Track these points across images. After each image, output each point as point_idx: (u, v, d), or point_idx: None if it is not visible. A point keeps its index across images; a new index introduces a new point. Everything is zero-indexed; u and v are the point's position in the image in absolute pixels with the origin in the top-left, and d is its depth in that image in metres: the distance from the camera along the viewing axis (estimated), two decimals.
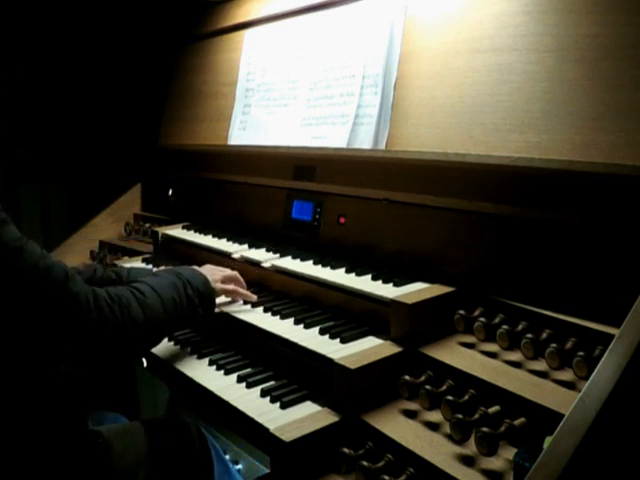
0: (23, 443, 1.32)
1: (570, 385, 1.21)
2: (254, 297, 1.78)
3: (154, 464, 1.55)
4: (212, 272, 1.73)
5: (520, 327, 1.36)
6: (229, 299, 1.79)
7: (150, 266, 2.22)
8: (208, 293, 1.64)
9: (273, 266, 1.88)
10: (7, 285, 1.21)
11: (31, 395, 1.36)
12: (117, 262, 2.42)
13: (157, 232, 2.44)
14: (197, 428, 1.69)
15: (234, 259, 2.02)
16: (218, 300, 1.73)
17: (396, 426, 1.26)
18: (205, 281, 1.64)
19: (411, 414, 1.31)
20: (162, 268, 1.90)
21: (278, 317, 1.67)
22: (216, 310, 1.72)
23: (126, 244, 2.69)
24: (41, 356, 1.36)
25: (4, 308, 1.22)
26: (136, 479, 1.52)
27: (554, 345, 1.25)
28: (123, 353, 1.47)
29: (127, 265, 2.22)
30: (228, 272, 1.80)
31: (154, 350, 1.74)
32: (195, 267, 1.75)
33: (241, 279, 1.82)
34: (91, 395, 1.57)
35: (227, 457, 1.92)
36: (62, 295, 1.27)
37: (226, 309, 1.76)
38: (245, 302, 1.79)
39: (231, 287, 1.76)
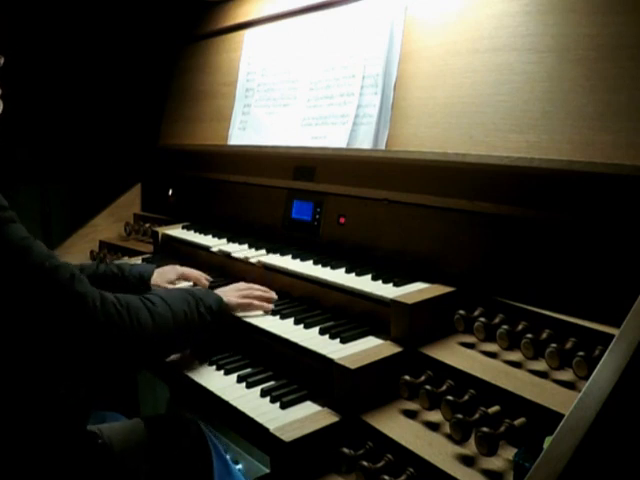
0: (22, 444, 1.32)
1: (570, 385, 1.21)
2: (270, 306, 1.72)
3: (154, 460, 1.55)
4: (224, 292, 1.71)
5: (520, 327, 1.36)
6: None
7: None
8: (221, 311, 1.61)
9: (273, 266, 1.88)
10: (13, 283, 1.19)
11: (31, 398, 1.34)
12: (117, 262, 2.42)
13: (157, 232, 2.44)
14: (196, 424, 1.69)
15: (234, 259, 2.02)
16: None
17: (396, 426, 1.26)
18: (219, 300, 1.62)
19: (411, 414, 1.31)
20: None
21: (278, 317, 1.67)
22: None
23: (126, 244, 2.69)
24: (45, 360, 1.32)
25: (9, 306, 1.21)
26: (137, 475, 1.52)
27: (554, 345, 1.25)
28: (130, 360, 1.43)
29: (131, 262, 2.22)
30: (243, 291, 1.75)
31: None
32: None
33: (257, 291, 1.77)
34: (91, 396, 1.56)
35: (227, 455, 1.91)
36: (68, 295, 1.25)
37: None
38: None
39: (246, 301, 1.71)
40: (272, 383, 1.49)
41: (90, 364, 1.35)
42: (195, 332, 1.55)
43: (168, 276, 1.90)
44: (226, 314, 1.65)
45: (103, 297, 1.32)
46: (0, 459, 1.29)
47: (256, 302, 1.72)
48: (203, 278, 1.95)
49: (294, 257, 1.91)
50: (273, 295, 1.77)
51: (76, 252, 2.73)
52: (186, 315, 1.50)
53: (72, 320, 1.26)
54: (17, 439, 1.32)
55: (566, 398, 1.14)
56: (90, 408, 1.53)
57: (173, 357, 1.68)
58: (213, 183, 2.56)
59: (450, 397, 1.22)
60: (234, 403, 1.41)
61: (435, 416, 1.27)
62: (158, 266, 1.95)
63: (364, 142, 1.91)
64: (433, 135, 1.74)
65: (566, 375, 1.24)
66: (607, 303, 1.26)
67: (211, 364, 1.62)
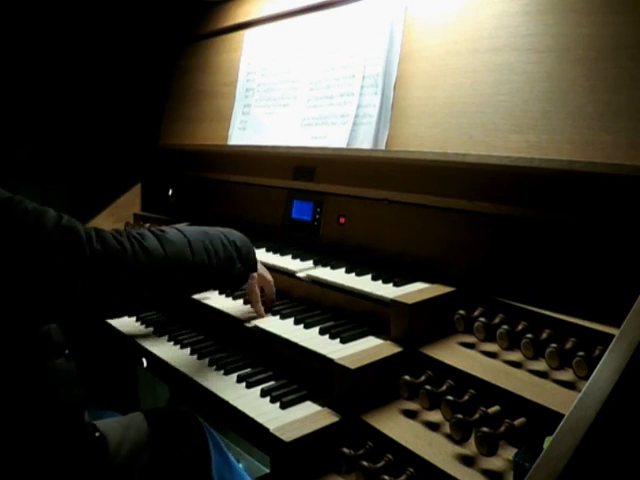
0: (15, 433, 1.31)
1: (570, 385, 1.21)
2: (263, 315, 1.70)
3: (151, 452, 1.55)
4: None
5: (520, 327, 1.36)
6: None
7: None
8: (247, 248, 1.57)
9: (273, 266, 1.88)
10: (2, 232, 1.18)
11: (24, 382, 1.32)
12: None
13: None
14: (194, 417, 1.69)
15: None
16: (223, 304, 1.70)
17: (396, 426, 1.26)
18: (243, 238, 1.57)
19: (411, 414, 1.31)
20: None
21: (278, 317, 1.67)
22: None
23: None
24: (39, 306, 1.23)
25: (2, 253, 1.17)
26: (134, 468, 1.52)
27: (554, 345, 1.25)
28: (140, 294, 1.35)
29: None
30: (266, 275, 1.73)
31: (153, 350, 1.74)
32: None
33: (271, 288, 1.75)
34: (89, 391, 1.55)
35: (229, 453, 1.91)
36: (57, 229, 1.22)
37: (226, 310, 1.76)
38: (246, 302, 1.78)
39: (254, 296, 1.69)
40: (272, 383, 1.49)
41: (93, 300, 1.27)
42: (220, 267, 1.47)
43: None
44: (252, 253, 1.58)
45: (97, 229, 1.30)
46: None
47: (258, 304, 1.70)
48: None
49: (294, 257, 1.91)
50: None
51: None
52: (205, 247, 1.43)
53: (65, 251, 1.21)
54: (11, 427, 1.30)
55: (566, 398, 1.14)
56: (88, 400, 1.52)
57: (173, 356, 1.68)
58: (213, 183, 2.56)
59: (450, 397, 1.22)
60: (234, 403, 1.41)
61: (435, 416, 1.26)
62: None
63: (364, 142, 1.91)
64: (433, 135, 1.74)
65: (566, 375, 1.24)
66: (607, 303, 1.26)
67: (211, 364, 1.62)
